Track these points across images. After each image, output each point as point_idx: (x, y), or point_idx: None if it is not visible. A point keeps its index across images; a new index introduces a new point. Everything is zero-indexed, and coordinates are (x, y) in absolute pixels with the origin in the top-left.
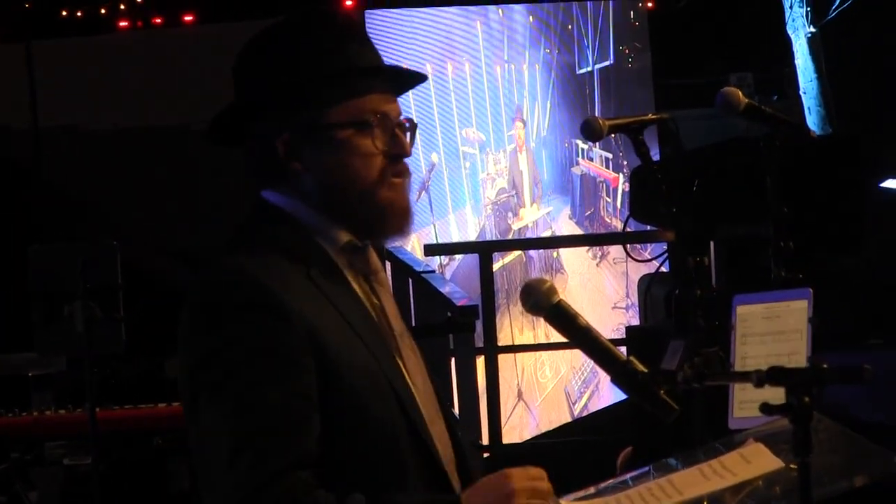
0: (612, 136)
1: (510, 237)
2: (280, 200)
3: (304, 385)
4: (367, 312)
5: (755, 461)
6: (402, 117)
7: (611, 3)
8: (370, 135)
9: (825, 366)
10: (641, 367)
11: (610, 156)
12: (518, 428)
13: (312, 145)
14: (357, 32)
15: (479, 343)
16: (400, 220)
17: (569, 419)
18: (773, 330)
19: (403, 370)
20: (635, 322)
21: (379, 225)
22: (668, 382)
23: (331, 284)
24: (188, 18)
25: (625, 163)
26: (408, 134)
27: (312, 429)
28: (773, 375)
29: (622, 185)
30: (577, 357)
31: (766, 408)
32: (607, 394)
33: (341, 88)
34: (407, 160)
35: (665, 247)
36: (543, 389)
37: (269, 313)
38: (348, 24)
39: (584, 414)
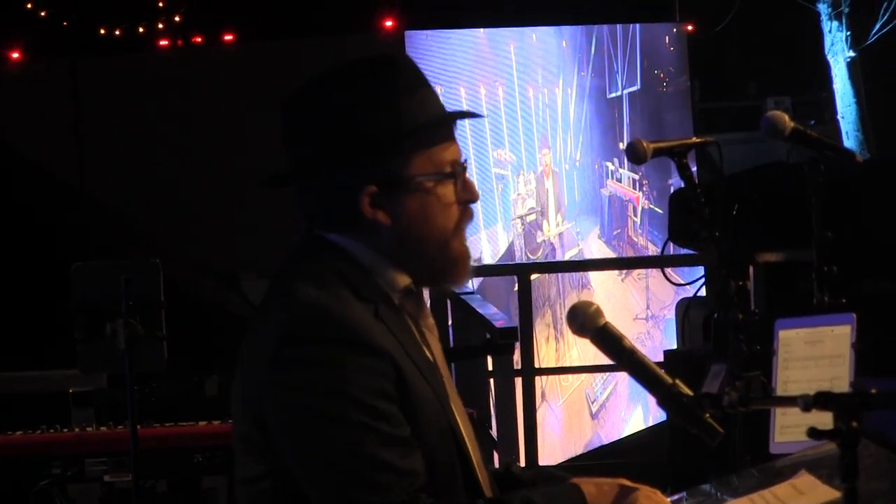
0: None
1: (539, 252)
2: (339, 240)
3: (400, 416)
4: (427, 355)
5: (808, 492)
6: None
7: (638, 27)
8: (450, 184)
9: (873, 391)
10: (687, 390)
11: (637, 176)
12: (541, 427)
13: (396, 196)
14: (422, 77)
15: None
16: (467, 266)
17: (589, 419)
18: (815, 355)
19: (455, 413)
20: (655, 333)
21: (451, 272)
22: (714, 406)
23: (397, 325)
24: (228, 38)
25: (645, 181)
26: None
27: (418, 455)
28: (821, 400)
29: (642, 203)
30: (599, 358)
31: (813, 432)
32: (623, 391)
33: (421, 139)
34: None
35: (702, 270)
36: (566, 391)
37: (360, 350)
38: (414, 69)
39: (601, 412)
